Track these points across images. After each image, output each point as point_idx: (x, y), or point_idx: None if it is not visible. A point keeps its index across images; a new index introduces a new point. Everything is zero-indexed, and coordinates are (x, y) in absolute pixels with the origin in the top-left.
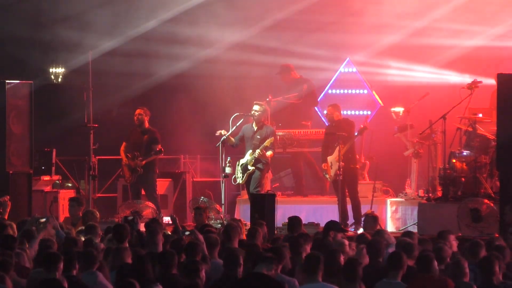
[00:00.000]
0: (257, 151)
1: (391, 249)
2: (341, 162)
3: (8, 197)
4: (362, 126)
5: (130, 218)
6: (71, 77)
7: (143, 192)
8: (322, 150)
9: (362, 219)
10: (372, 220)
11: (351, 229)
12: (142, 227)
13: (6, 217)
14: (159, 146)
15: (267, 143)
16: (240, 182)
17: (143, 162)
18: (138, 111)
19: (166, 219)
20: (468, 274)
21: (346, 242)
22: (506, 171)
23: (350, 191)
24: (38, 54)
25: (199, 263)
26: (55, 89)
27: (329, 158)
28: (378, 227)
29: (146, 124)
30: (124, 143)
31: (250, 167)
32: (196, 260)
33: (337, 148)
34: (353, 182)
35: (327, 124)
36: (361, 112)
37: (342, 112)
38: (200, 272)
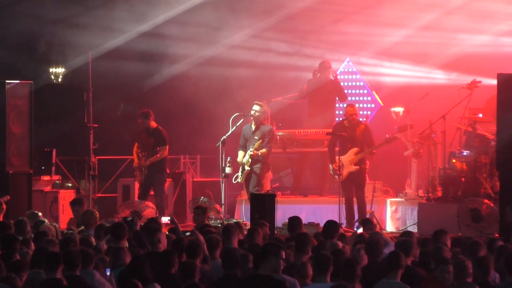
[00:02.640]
0: (248, 152)
1: (387, 249)
2: (342, 164)
3: (9, 197)
4: (388, 136)
5: (129, 219)
6: (71, 77)
7: (152, 192)
8: (328, 149)
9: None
10: (370, 223)
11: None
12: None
13: (1, 218)
14: (165, 148)
15: (256, 145)
16: (239, 181)
17: (147, 163)
18: (138, 119)
19: (165, 220)
20: (471, 274)
21: (340, 244)
22: (506, 171)
23: (357, 191)
24: (38, 54)
25: (194, 264)
26: (55, 89)
27: (342, 158)
28: (378, 228)
29: (153, 125)
30: (136, 144)
31: (247, 167)
32: (191, 262)
33: (352, 150)
34: (362, 183)
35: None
36: (361, 112)
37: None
38: (195, 273)
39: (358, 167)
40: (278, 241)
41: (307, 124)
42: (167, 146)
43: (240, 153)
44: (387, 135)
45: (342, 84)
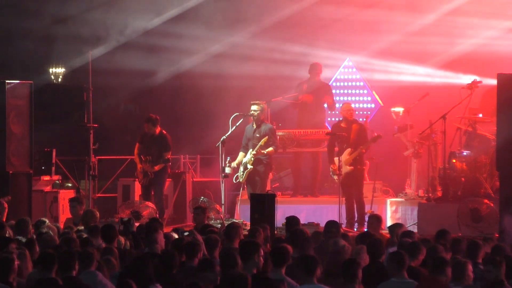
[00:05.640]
0: (250, 151)
1: (392, 249)
2: (341, 165)
3: (10, 197)
4: (376, 134)
5: (126, 219)
6: (71, 77)
7: (152, 192)
8: (327, 149)
9: (366, 219)
10: (376, 221)
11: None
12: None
13: (4, 219)
14: (169, 154)
15: (262, 142)
16: (241, 180)
17: (156, 169)
18: (145, 123)
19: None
20: (471, 276)
21: (343, 243)
22: (506, 171)
23: (355, 191)
24: (38, 54)
25: (214, 261)
26: (55, 89)
27: (340, 158)
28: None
29: (158, 129)
30: (137, 145)
31: (249, 166)
32: (209, 259)
33: (346, 151)
34: (360, 183)
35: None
36: (361, 112)
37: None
38: (215, 267)
39: (353, 167)
40: (279, 241)
41: (297, 126)
42: (170, 152)
43: (241, 154)
44: (375, 134)
45: (342, 84)
